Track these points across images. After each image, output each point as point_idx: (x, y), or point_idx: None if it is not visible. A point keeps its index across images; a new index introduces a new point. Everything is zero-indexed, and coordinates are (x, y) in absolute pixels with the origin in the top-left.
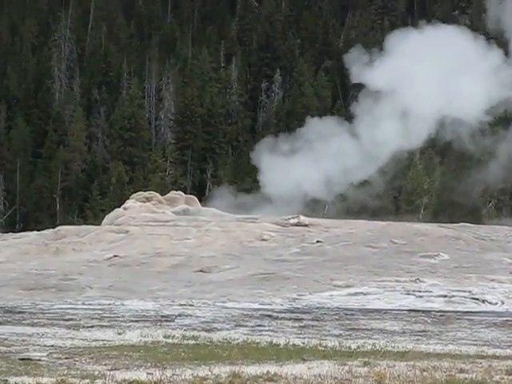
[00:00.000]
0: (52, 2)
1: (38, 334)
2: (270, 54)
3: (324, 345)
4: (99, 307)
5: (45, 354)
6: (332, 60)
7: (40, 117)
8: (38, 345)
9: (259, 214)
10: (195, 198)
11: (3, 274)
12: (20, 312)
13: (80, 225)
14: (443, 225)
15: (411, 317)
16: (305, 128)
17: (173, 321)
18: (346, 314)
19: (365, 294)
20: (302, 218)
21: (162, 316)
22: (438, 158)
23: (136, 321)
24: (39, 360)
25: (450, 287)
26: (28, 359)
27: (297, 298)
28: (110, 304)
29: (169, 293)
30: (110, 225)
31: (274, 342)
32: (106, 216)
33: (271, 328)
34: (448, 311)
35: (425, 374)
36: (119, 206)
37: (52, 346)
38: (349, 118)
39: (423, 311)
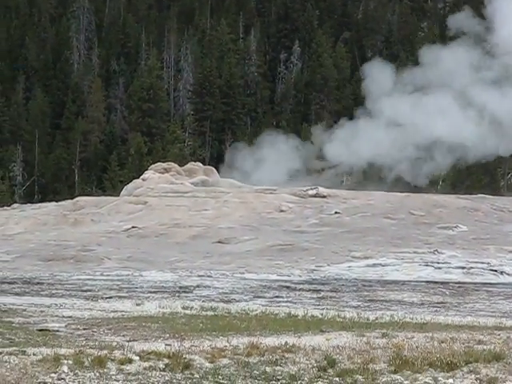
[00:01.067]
0: None
1: (57, 304)
2: (289, 25)
3: (342, 316)
4: (117, 278)
5: (63, 325)
6: (351, 31)
7: (58, 88)
8: (57, 316)
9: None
10: (213, 168)
11: (22, 244)
12: (38, 283)
13: (98, 196)
14: (461, 196)
15: (429, 288)
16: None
17: (191, 292)
18: (364, 286)
19: (383, 266)
20: (321, 189)
21: (181, 287)
22: None
23: (154, 292)
24: (57, 331)
25: (468, 258)
26: (46, 330)
27: (315, 270)
28: (128, 275)
29: (187, 264)
30: (128, 196)
31: (293, 313)
32: (125, 187)
33: (289, 299)
34: (466, 283)
35: (443, 345)
36: (138, 177)
37: (70, 317)
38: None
39: (441, 283)
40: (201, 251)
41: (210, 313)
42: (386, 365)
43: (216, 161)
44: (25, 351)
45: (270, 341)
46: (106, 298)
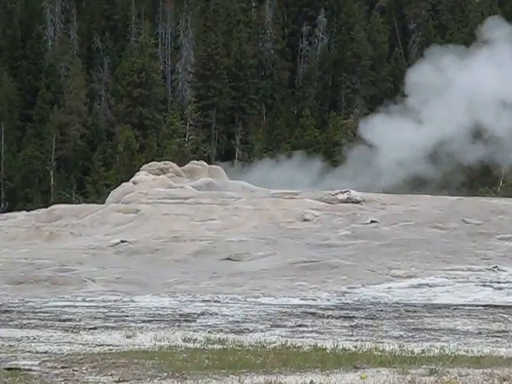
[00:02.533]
0: None
1: (29, 337)
2: None
3: (381, 349)
4: (103, 304)
5: (37, 363)
6: None
7: (29, 71)
8: (29, 351)
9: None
10: (221, 168)
11: None
12: (6, 311)
13: (79, 203)
14: None
15: (488, 314)
16: None
17: (194, 320)
18: (408, 311)
19: (430, 286)
20: (353, 193)
21: (181, 315)
22: None
23: (149, 321)
24: (30, 370)
25: None
26: (16, 369)
27: (347, 292)
28: (116, 300)
29: (189, 286)
30: (116, 203)
31: (319, 345)
32: (111, 192)
33: (315, 328)
34: None
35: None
36: (127, 180)
37: (45, 352)
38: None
39: (503, 307)
40: (206, 270)
41: (217, 346)
42: None
43: (224, 159)
44: None
45: (292, 380)
46: (90, 328)
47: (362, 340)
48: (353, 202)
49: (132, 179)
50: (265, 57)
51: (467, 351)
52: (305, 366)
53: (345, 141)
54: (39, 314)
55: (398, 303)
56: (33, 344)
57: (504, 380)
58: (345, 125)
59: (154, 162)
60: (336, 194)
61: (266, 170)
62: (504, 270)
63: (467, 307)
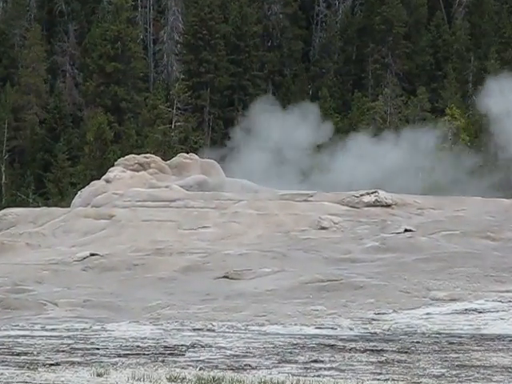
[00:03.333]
0: None
1: None
2: None
3: None
4: (68, 334)
5: None
6: None
7: None
8: None
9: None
10: (216, 163)
11: None
12: None
13: (38, 206)
14: None
15: None
16: None
17: (182, 354)
18: (451, 343)
19: (480, 312)
20: (382, 194)
21: (166, 347)
22: None
23: (125, 355)
24: None
25: None
26: None
27: (374, 319)
28: (84, 329)
29: (176, 311)
30: (84, 206)
31: None
32: (79, 193)
33: (335, 365)
34: None
35: None
36: (99, 178)
37: None
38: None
39: None
40: (197, 291)
41: None
42: None
43: (220, 151)
44: None
45: None
46: (51, 364)
47: (393, 379)
48: (382, 206)
49: (104, 177)
50: (272, 23)
51: None
52: None
53: (372, 128)
54: None
55: (438, 333)
56: None
57: None
58: (372, 108)
59: (133, 155)
60: (361, 195)
61: None
62: None
63: None
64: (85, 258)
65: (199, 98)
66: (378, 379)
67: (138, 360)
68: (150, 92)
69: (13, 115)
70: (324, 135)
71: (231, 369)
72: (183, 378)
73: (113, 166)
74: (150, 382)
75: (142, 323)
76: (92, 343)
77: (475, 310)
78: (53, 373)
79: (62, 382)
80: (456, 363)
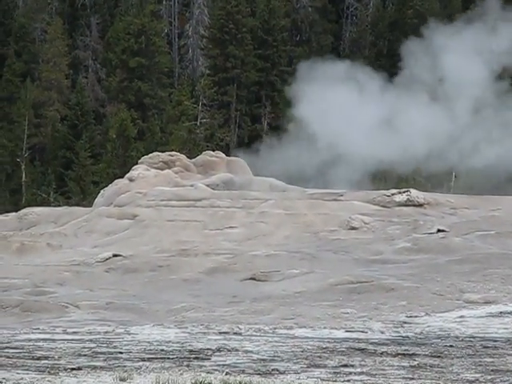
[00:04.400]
0: None
1: None
2: None
3: None
4: (90, 338)
5: None
6: None
7: None
8: None
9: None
10: (243, 161)
11: None
12: None
13: (59, 206)
14: None
15: None
16: None
17: (208, 359)
18: (486, 347)
19: None
20: (415, 193)
21: (191, 351)
22: None
23: (149, 359)
24: None
25: None
26: None
27: (406, 322)
28: (107, 332)
29: (201, 314)
30: (107, 206)
31: None
32: (101, 192)
33: (366, 369)
34: None
35: None
36: (122, 176)
37: None
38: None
39: None
40: (223, 293)
41: None
42: None
43: (247, 149)
44: None
45: None
46: (72, 369)
47: None
48: (414, 206)
49: (128, 175)
50: (300, 16)
51: None
52: None
53: None
54: (6, 351)
55: (472, 337)
56: None
57: None
58: None
59: (157, 153)
60: (392, 194)
61: None
62: None
63: None
64: (107, 259)
65: (225, 93)
66: None
67: (162, 364)
68: (175, 88)
69: (33, 111)
70: None
71: (258, 373)
72: (209, 383)
73: (136, 164)
74: None
75: (167, 326)
76: (115, 347)
77: (510, 312)
78: (74, 377)
79: None
80: (491, 368)
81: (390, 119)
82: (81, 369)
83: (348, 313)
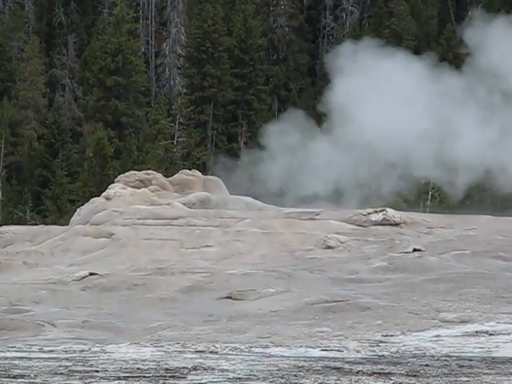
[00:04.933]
0: None
1: None
2: None
3: None
4: (66, 356)
5: None
6: None
7: None
8: None
9: (321, 207)
10: (219, 180)
11: None
12: None
13: (36, 224)
14: None
15: None
16: None
17: (184, 377)
18: (462, 366)
19: (491, 335)
20: (391, 213)
21: (167, 370)
22: None
23: (125, 377)
24: None
25: None
26: None
27: (382, 341)
28: (83, 351)
29: (178, 332)
30: (83, 224)
31: None
32: (77, 210)
33: None
34: None
35: None
36: (98, 195)
37: None
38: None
39: None
40: (200, 312)
41: None
42: None
43: (223, 168)
44: None
45: None
46: None
47: None
48: (390, 225)
49: (104, 194)
50: (277, 36)
51: None
52: None
53: None
54: None
55: (448, 356)
56: None
57: None
58: None
59: (133, 172)
60: (369, 213)
61: None
62: None
63: None
64: (84, 278)
65: (202, 112)
66: None
67: (138, 383)
68: (152, 107)
69: (10, 130)
70: None
71: None
72: None
73: (113, 182)
74: None
75: (143, 345)
76: (91, 365)
77: (486, 332)
78: None
79: None
80: None
81: None
82: None
83: (324, 332)
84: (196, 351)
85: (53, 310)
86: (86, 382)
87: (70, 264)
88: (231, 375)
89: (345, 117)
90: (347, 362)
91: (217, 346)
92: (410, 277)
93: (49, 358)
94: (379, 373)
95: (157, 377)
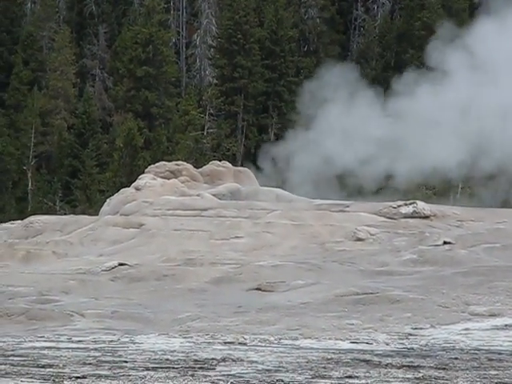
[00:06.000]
0: None
1: None
2: None
3: None
4: (95, 346)
5: None
6: None
7: (1, 41)
8: None
9: (352, 200)
10: (250, 171)
11: None
12: None
13: (65, 214)
14: None
15: None
16: None
17: (213, 368)
18: (491, 360)
19: None
20: (421, 205)
21: (196, 361)
22: None
23: (154, 368)
24: None
25: None
26: None
27: (411, 334)
28: (112, 341)
29: (207, 324)
30: (113, 215)
31: None
32: (107, 200)
33: (370, 381)
34: None
35: None
36: (128, 185)
37: None
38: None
39: None
40: (229, 303)
41: None
42: None
43: (254, 159)
44: None
45: None
46: (77, 377)
47: None
48: (420, 218)
49: (134, 184)
50: (308, 27)
51: None
52: None
53: None
54: (11, 359)
55: (477, 349)
56: None
57: None
58: None
59: (163, 162)
60: (399, 206)
61: None
62: None
63: None
64: (113, 268)
65: (232, 104)
66: None
67: (167, 374)
68: (182, 97)
69: (40, 120)
70: None
71: (264, 383)
72: None
73: (143, 173)
74: None
75: (172, 336)
76: (120, 356)
77: None
78: None
79: None
80: (495, 380)
81: None
82: (85, 377)
83: (353, 324)
84: (225, 342)
85: (82, 300)
86: (115, 372)
87: (100, 254)
88: (260, 367)
89: None
90: (376, 355)
91: (246, 337)
92: (440, 270)
93: (77, 348)
94: (408, 366)
95: (185, 368)
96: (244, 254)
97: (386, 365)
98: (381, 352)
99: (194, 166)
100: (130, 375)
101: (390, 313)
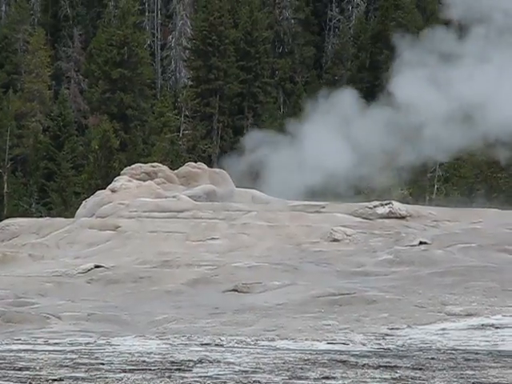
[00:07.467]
0: None
1: None
2: None
3: None
4: (71, 349)
5: None
6: None
7: None
8: None
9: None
10: (225, 173)
11: None
12: None
13: (41, 216)
14: None
15: None
16: None
17: (190, 370)
18: (467, 360)
19: (497, 328)
20: (397, 206)
21: (173, 362)
22: None
23: (131, 370)
24: None
25: None
26: None
27: (388, 334)
28: (89, 343)
29: (183, 325)
30: (88, 217)
31: None
32: (83, 203)
33: (347, 381)
34: None
35: None
36: (104, 187)
37: None
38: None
39: None
40: (205, 305)
41: None
42: None
43: (229, 160)
44: None
45: None
46: (53, 380)
47: None
48: (396, 218)
49: (110, 186)
50: (283, 28)
51: None
52: None
53: None
54: None
55: (454, 349)
56: None
57: None
58: None
59: (139, 164)
60: (375, 206)
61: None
62: None
63: None
64: (89, 270)
65: (208, 105)
66: None
67: (143, 376)
68: (157, 99)
69: (15, 122)
70: None
71: None
72: None
73: (118, 175)
74: None
75: (149, 337)
76: (96, 358)
77: (492, 325)
78: None
79: None
80: (472, 380)
81: None
82: (62, 380)
83: (330, 325)
84: (202, 344)
85: (58, 302)
86: (92, 374)
87: (76, 256)
88: (237, 368)
89: None
90: (353, 355)
91: (222, 338)
92: (416, 270)
93: (54, 351)
94: (385, 366)
95: (162, 370)
96: (220, 255)
97: (363, 365)
98: (357, 352)
99: (170, 168)
100: (106, 377)
101: (367, 313)
